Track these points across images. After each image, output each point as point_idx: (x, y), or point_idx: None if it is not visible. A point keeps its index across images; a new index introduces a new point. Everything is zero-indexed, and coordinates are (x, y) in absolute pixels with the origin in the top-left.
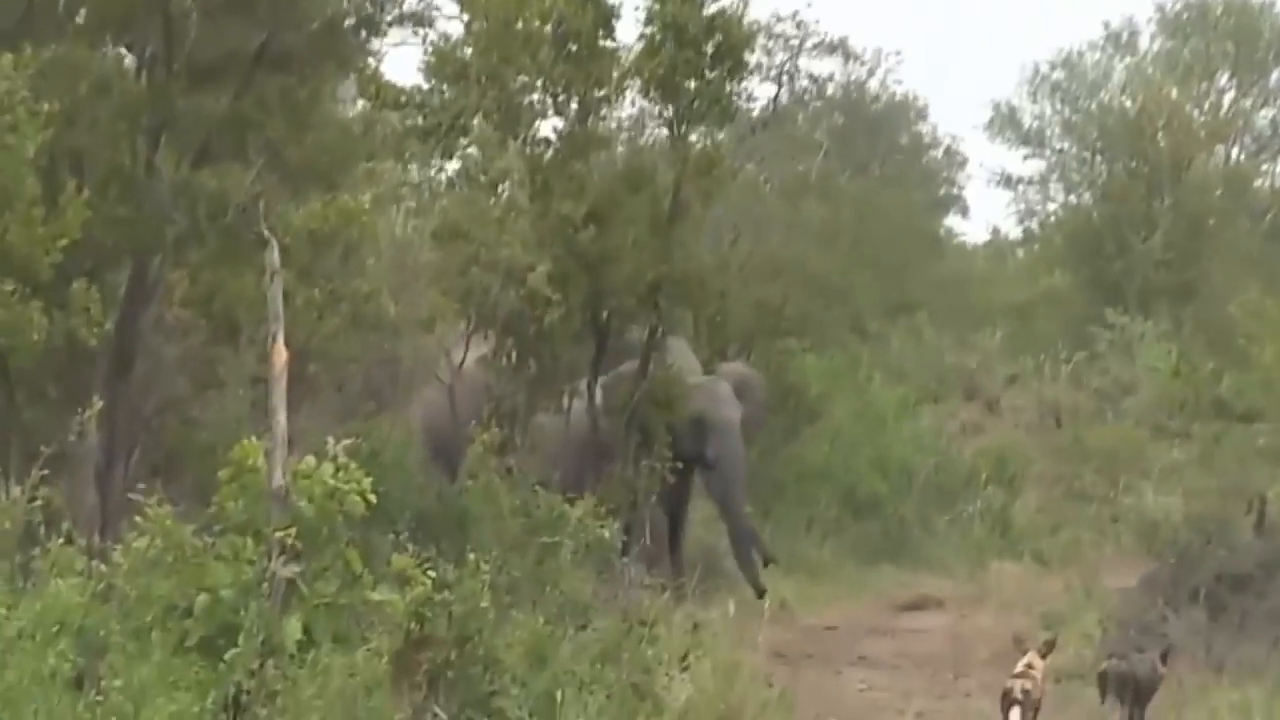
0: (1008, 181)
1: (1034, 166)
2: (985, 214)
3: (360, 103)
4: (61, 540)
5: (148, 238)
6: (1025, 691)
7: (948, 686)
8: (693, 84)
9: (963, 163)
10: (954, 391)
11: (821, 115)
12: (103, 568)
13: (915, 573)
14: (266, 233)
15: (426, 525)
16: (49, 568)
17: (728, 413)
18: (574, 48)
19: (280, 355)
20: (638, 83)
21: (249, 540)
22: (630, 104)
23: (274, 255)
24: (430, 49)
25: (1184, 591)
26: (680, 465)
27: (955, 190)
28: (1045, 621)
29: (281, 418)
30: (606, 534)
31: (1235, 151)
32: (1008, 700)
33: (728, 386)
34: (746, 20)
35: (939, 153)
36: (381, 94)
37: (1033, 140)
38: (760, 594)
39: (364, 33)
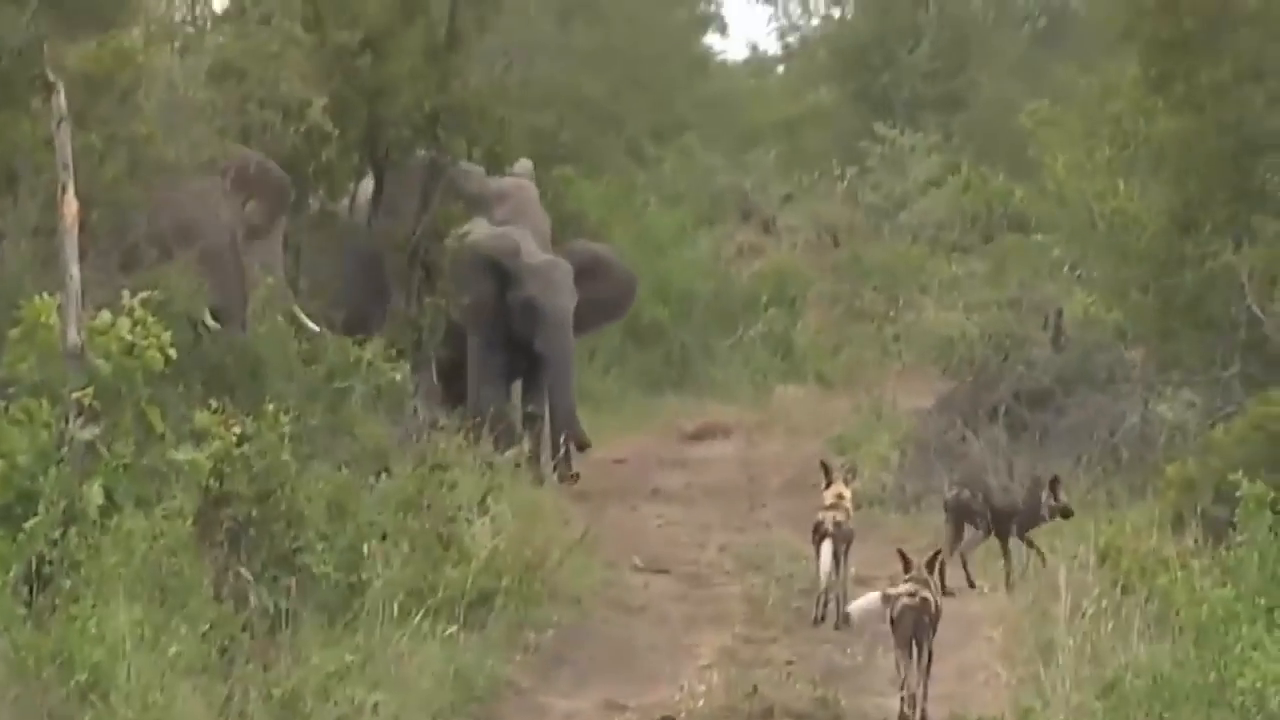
0: None
1: None
2: (745, 31)
3: None
4: None
5: None
6: (837, 524)
7: (745, 517)
8: None
9: None
10: (730, 213)
11: None
12: None
13: (700, 400)
14: (52, 76)
15: (219, 377)
16: None
17: (560, 301)
18: None
19: (71, 206)
20: None
21: (44, 402)
22: None
23: (60, 100)
24: None
25: (983, 410)
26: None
27: (713, 8)
28: (838, 446)
29: (75, 271)
30: (398, 376)
31: None
32: (819, 533)
33: (567, 269)
34: None
35: None
36: None
37: None
38: (567, 480)
39: None
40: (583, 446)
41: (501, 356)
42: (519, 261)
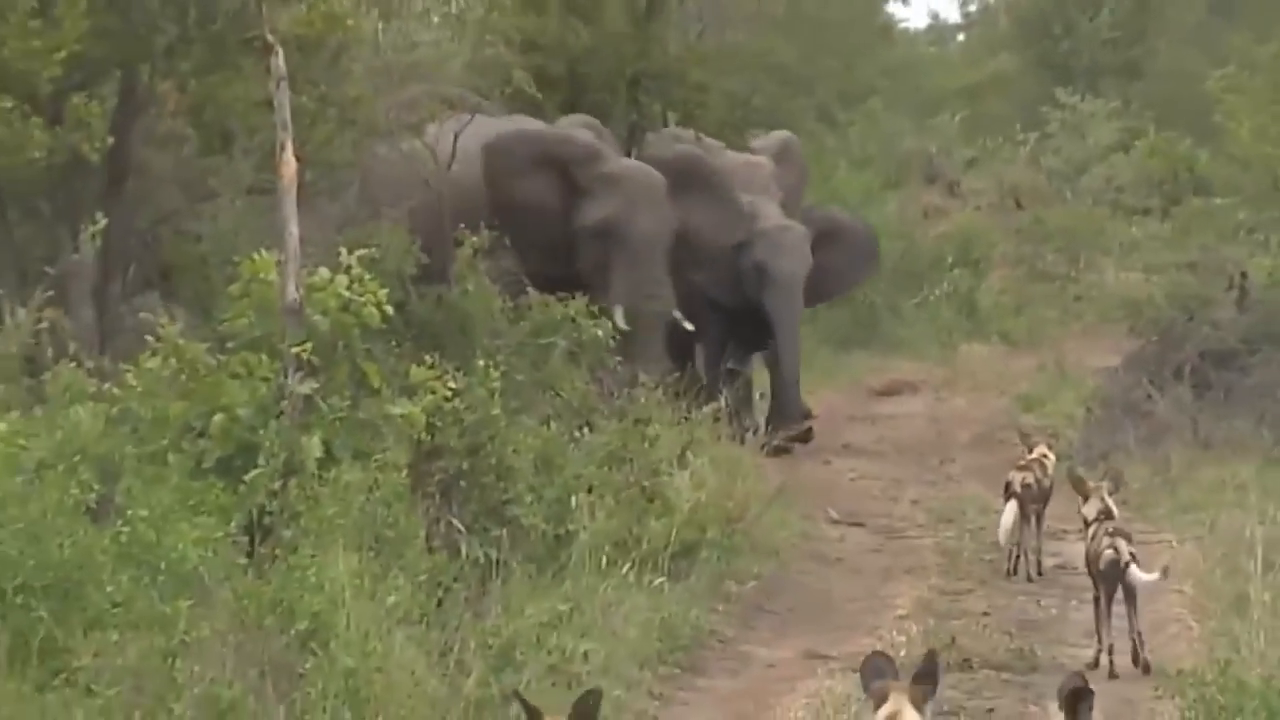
0: None
1: None
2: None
3: None
4: (70, 363)
5: (137, 48)
6: (1025, 485)
7: (935, 472)
8: None
9: None
10: (915, 176)
11: None
12: (115, 390)
13: (887, 357)
14: (271, 38)
15: (429, 333)
16: (61, 393)
17: (789, 266)
18: None
19: (289, 166)
20: None
21: (263, 357)
22: None
23: (279, 62)
24: None
25: (1168, 369)
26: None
27: None
28: (1024, 404)
29: (293, 229)
30: (600, 332)
31: None
32: (1009, 492)
33: (801, 233)
34: None
35: None
36: None
37: None
38: (802, 439)
39: None
40: (806, 415)
41: (725, 317)
42: (752, 226)
